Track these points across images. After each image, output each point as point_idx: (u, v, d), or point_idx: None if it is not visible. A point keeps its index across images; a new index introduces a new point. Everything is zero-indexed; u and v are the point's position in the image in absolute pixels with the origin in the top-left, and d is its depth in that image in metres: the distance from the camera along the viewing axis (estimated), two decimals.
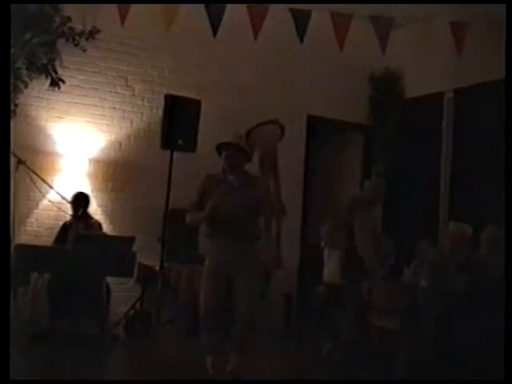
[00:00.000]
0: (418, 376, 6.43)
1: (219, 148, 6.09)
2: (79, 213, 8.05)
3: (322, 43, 8.69)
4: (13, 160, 7.47)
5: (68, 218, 8.10)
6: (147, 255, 8.11)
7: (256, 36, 6.86)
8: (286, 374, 7.01)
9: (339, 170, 10.92)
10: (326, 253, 8.52)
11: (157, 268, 8.10)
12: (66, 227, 8.03)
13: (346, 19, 7.09)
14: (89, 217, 8.14)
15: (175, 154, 8.14)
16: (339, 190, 10.85)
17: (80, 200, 8.07)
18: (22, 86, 8.21)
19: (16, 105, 8.16)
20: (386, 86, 10.28)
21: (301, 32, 6.85)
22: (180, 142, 8.01)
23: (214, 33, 6.80)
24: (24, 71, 8.20)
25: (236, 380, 5.88)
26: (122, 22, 6.86)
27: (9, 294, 4.02)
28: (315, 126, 10.15)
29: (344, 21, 7.08)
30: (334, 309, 8.07)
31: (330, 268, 8.39)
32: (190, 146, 8.19)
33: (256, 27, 6.87)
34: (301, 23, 6.88)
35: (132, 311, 8.17)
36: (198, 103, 8.37)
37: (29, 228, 8.31)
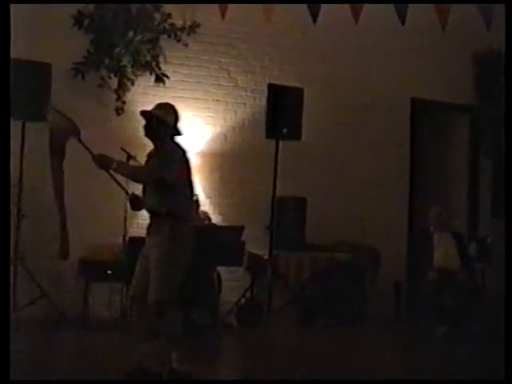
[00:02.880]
0: None
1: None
2: None
3: (424, 23, 8.54)
4: (123, 156, 7.66)
5: None
6: (256, 244, 8.22)
7: (357, 20, 6.78)
8: (397, 361, 6.95)
9: (446, 152, 10.73)
10: (435, 237, 8.42)
11: (266, 256, 8.21)
12: None
13: None
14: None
15: (280, 143, 8.22)
16: (446, 173, 10.68)
17: None
18: (128, 84, 8.43)
19: (123, 102, 8.39)
20: (490, 64, 10.03)
21: (402, 13, 6.73)
22: (285, 130, 8.09)
23: (314, 19, 6.75)
24: (129, 69, 8.42)
25: (235, 380, 5.83)
26: (223, 16, 6.90)
27: (9, 293, 4.03)
28: (419, 108, 10.01)
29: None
30: (445, 294, 7.99)
31: (441, 253, 8.29)
32: (295, 134, 8.23)
33: (356, 11, 6.78)
34: (401, 4, 6.76)
35: (243, 300, 8.28)
36: (300, 91, 8.41)
37: (140, 221, 8.48)
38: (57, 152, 5.92)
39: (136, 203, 5.61)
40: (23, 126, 7.53)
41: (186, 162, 5.51)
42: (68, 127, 5.71)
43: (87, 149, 5.46)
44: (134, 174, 5.55)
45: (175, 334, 5.49)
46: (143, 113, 5.62)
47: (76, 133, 5.64)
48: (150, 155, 5.63)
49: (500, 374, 4.46)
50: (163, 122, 5.51)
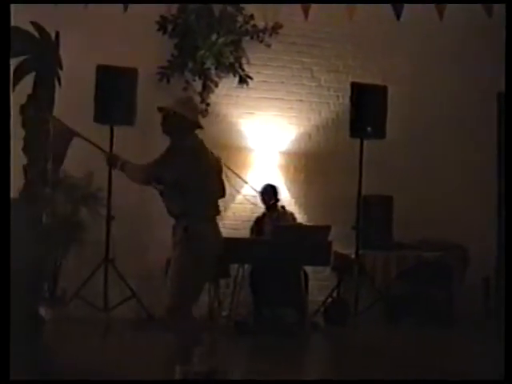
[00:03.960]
0: None
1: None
2: (270, 204, 8.24)
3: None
4: None
5: (262, 210, 8.30)
6: (342, 243, 8.21)
7: (441, 16, 6.68)
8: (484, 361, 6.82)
9: None
10: None
11: (352, 256, 8.18)
12: (259, 219, 8.25)
13: None
14: (280, 208, 8.31)
15: (365, 142, 8.18)
16: None
17: (269, 192, 8.25)
18: (212, 86, 8.53)
19: (208, 104, 8.49)
20: None
21: (488, 8, 6.59)
22: (369, 129, 8.05)
23: (398, 16, 6.69)
24: (213, 71, 8.52)
25: (236, 380, 5.65)
26: (306, 16, 6.90)
27: (9, 293, 4.00)
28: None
29: None
30: None
31: None
32: (379, 133, 8.19)
33: (441, 7, 6.68)
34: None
35: (330, 299, 8.27)
36: (384, 89, 8.36)
37: (226, 222, 8.57)
38: (56, 157, 5.89)
39: None
40: (111, 130, 7.68)
41: (203, 155, 5.18)
42: (68, 134, 5.60)
43: (99, 147, 5.38)
44: (131, 175, 5.28)
45: (184, 341, 5.17)
46: (159, 109, 5.26)
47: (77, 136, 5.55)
48: None
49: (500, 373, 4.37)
50: (180, 117, 5.14)
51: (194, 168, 5.03)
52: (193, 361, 5.08)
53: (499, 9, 6.57)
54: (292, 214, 8.35)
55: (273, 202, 8.22)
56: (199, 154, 5.14)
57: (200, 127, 5.27)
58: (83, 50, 7.76)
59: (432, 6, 6.73)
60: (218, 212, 5.33)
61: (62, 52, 6.45)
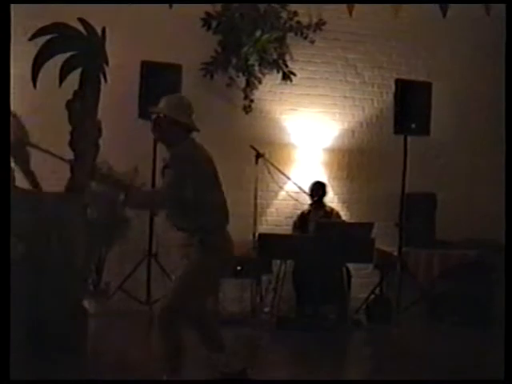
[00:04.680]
0: None
1: None
2: (316, 201, 8.23)
3: None
4: (252, 153, 7.80)
5: (305, 207, 8.30)
6: (385, 240, 8.17)
7: (488, 11, 6.62)
8: None
9: None
10: None
11: (395, 253, 8.15)
12: (303, 216, 8.25)
13: None
14: (324, 205, 8.31)
15: (409, 138, 8.13)
16: None
17: (318, 188, 8.25)
18: (255, 82, 8.56)
19: (251, 100, 8.52)
20: None
21: None
22: (413, 125, 8.00)
23: (444, 14, 6.64)
24: (257, 68, 8.54)
25: (236, 380, 5.19)
26: (350, 13, 6.88)
27: (9, 293, 3.96)
28: None
29: None
30: None
31: None
32: (424, 130, 8.14)
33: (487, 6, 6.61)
34: None
35: (372, 296, 8.24)
36: (428, 85, 8.31)
37: (269, 218, 8.62)
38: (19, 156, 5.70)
39: None
40: None
41: (205, 162, 4.64)
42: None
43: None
44: (147, 203, 4.91)
45: (169, 347, 4.66)
46: (150, 113, 4.73)
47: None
48: (165, 167, 4.61)
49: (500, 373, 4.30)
50: (172, 120, 4.56)
51: (200, 177, 4.57)
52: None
53: None
54: (337, 213, 8.34)
55: (316, 198, 8.22)
56: (200, 162, 4.62)
57: (195, 130, 4.69)
58: (128, 46, 7.82)
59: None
60: (228, 220, 4.82)
61: (107, 48, 6.49)
